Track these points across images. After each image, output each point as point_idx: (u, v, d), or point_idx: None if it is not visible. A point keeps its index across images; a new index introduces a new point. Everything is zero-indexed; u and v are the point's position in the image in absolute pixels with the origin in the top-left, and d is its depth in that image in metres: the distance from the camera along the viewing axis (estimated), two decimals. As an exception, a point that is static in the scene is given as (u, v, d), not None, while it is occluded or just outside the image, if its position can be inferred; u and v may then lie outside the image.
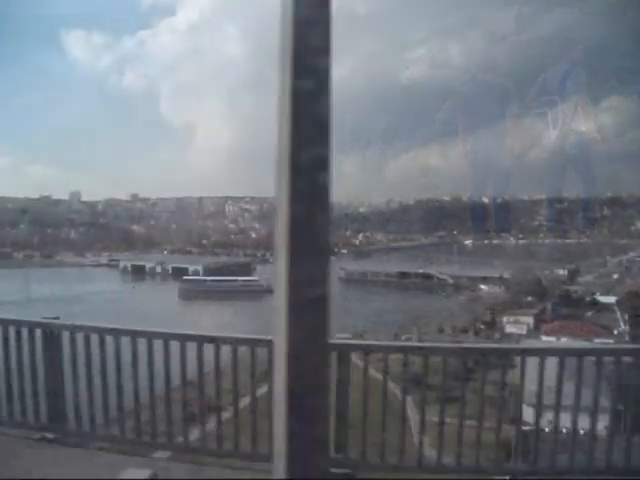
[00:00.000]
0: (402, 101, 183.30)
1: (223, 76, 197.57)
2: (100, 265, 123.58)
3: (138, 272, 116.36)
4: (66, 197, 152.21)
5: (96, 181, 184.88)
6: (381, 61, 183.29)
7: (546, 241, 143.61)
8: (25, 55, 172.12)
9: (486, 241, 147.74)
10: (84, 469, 5.81)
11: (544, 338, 58.90)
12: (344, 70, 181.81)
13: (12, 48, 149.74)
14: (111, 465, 5.94)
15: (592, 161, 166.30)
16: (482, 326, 68.81)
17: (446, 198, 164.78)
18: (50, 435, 6.42)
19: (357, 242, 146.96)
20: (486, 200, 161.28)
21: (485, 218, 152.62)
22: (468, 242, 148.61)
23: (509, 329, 67.28)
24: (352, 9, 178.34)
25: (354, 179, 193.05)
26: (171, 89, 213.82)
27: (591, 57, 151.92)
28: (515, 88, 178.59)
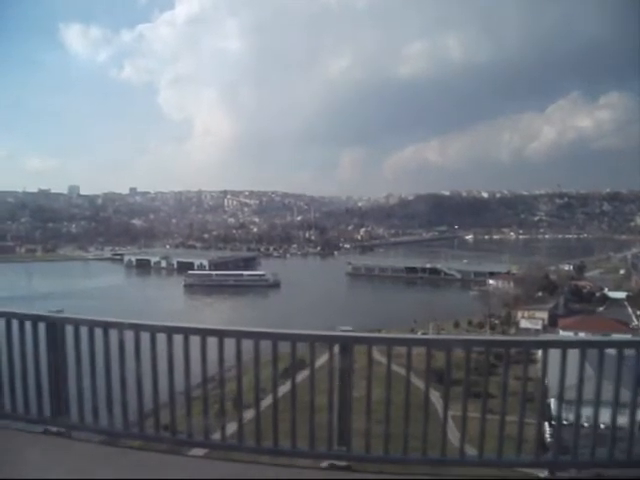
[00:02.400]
0: (401, 95, 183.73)
1: (222, 70, 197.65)
2: (103, 259, 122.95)
3: (143, 266, 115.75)
4: (64, 191, 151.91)
5: (94, 174, 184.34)
6: (380, 55, 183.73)
7: (546, 236, 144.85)
8: (23, 49, 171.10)
9: (487, 236, 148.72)
10: (119, 469, 5.76)
11: (562, 332, 59.39)
12: (344, 63, 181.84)
13: (10, 42, 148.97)
14: (146, 464, 5.85)
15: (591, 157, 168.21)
16: (497, 321, 69.23)
17: (446, 193, 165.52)
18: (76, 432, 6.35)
19: (359, 237, 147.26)
20: (486, 195, 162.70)
21: (485, 213, 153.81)
22: (469, 237, 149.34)
23: (524, 324, 67.74)
24: (351, 3, 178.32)
25: (353, 173, 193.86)
26: (170, 83, 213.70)
27: (589, 54, 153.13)
28: (514, 83, 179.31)
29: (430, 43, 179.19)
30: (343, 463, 5.72)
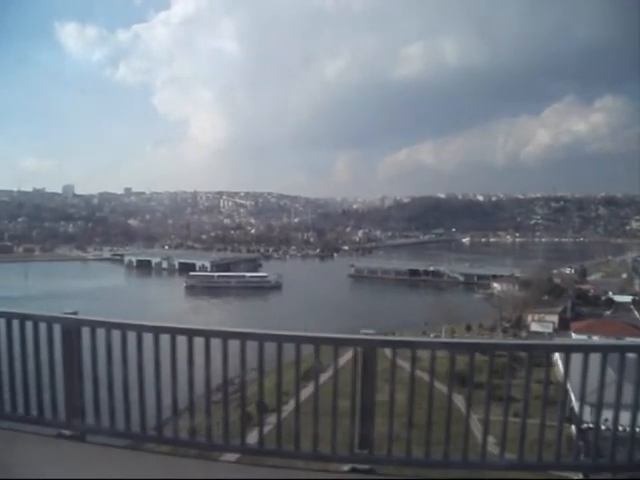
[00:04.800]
0: (397, 97, 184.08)
1: (218, 71, 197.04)
2: (103, 259, 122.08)
3: (144, 267, 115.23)
4: (59, 190, 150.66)
5: (88, 174, 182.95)
6: (377, 57, 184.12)
7: (543, 240, 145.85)
8: (18, 47, 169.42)
9: (483, 239, 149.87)
10: (142, 474, 5.70)
11: (574, 336, 59.78)
12: (340, 65, 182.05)
13: (5, 40, 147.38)
14: (172, 469, 5.83)
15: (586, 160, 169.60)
16: (507, 324, 69.53)
17: (441, 196, 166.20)
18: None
19: (357, 239, 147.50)
20: (481, 198, 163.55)
21: (481, 216, 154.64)
22: (466, 240, 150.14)
23: (535, 327, 68.14)
24: (348, 5, 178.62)
25: (348, 174, 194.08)
26: (165, 83, 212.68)
27: (585, 57, 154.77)
28: (510, 86, 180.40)
29: (426, 46, 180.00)
30: (365, 466, 5.74)
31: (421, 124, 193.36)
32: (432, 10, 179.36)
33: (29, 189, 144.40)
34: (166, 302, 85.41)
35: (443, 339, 24.11)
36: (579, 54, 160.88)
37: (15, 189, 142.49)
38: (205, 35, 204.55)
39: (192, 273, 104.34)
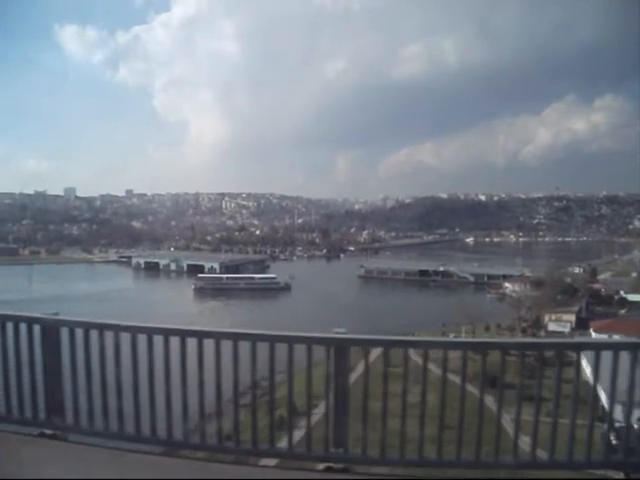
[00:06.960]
0: (397, 97, 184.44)
1: (218, 72, 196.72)
2: (110, 262, 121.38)
3: (151, 269, 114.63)
4: (60, 192, 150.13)
5: (89, 176, 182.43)
6: (377, 57, 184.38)
7: (546, 239, 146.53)
8: (19, 49, 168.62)
9: (487, 239, 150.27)
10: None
11: (594, 335, 59.84)
12: (340, 65, 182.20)
13: (6, 42, 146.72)
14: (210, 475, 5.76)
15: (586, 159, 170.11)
16: (525, 324, 69.64)
17: (444, 196, 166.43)
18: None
19: (362, 239, 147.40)
20: (483, 198, 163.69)
21: (484, 216, 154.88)
22: (469, 240, 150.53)
23: (552, 327, 68.32)
24: (348, 5, 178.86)
25: (348, 175, 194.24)
26: (166, 85, 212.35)
27: (585, 57, 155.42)
28: (510, 86, 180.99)
29: (426, 46, 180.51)
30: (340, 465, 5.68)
31: (421, 124, 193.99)
32: (432, 10, 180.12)
33: (30, 192, 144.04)
34: (175, 304, 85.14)
35: (476, 339, 23.94)
36: (579, 53, 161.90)
37: (17, 192, 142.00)
38: (205, 36, 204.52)
39: (201, 275, 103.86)
